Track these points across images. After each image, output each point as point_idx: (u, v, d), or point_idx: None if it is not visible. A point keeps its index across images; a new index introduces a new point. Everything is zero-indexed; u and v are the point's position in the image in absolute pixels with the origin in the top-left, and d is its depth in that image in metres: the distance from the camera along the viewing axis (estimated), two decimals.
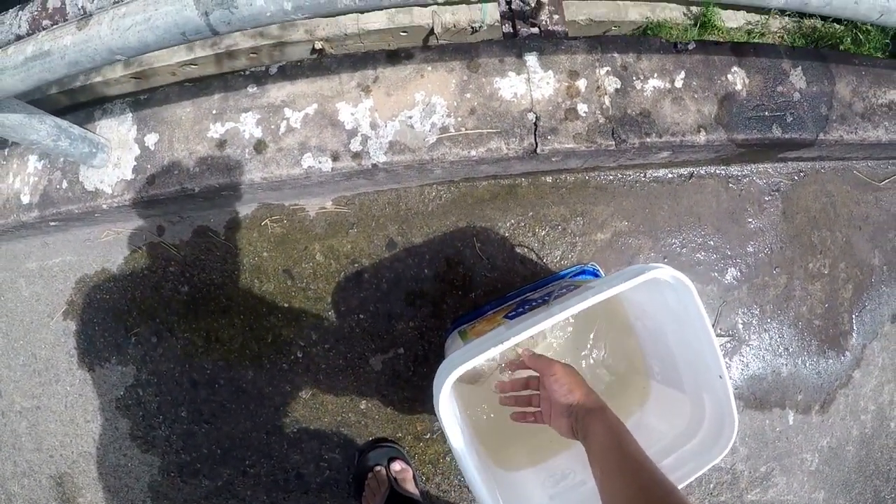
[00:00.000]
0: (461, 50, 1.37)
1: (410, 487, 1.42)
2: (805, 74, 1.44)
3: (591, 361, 1.25)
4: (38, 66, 0.96)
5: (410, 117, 1.32)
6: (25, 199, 1.42)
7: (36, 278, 1.64)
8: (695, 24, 2.35)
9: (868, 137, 1.46)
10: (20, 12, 1.01)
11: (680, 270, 0.90)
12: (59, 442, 1.60)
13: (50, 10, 0.98)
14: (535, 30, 1.41)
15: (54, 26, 0.98)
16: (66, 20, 0.98)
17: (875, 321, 1.73)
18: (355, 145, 1.31)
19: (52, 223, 1.49)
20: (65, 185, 1.40)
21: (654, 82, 1.37)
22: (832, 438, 1.68)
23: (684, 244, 1.61)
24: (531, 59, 1.36)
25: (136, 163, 1.37)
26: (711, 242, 1.62)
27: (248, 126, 1.34)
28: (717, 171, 1.64)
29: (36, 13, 0.99)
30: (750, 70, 1.42)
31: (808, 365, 1.67)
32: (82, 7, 0.96)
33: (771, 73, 1.42)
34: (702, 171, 1.63)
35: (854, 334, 1.71)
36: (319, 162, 1.30)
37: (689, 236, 1.61)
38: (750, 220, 1.65)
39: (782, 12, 2.34)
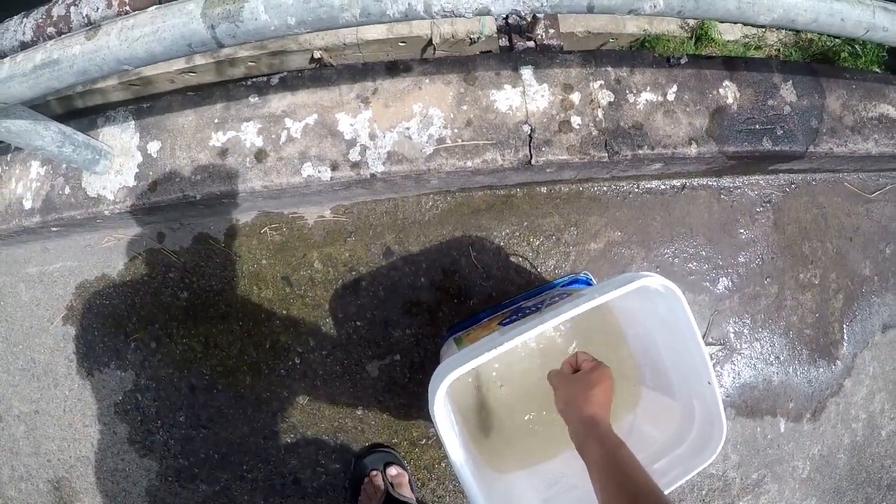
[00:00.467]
0: (458, 63, 1.39)
1: (406, 492, 1.43)
2: (796, 88, 1.47)
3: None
4: (46, 74, 0.98)
5: (408, 128, 1.34)
6: (28, 204, 1.44)
7: (36, 283, 1.65)
8: (692, 37, 2.38)
9: (858, 150, 1.49)
10: (25, 19, 1.02)
11: (672, 280, 0.92)
12: (57, 446, 1.61)
13: (55, 18, 0.99)
14: (531, 44, 1.44)
15: (62, 35, 1.00)
16: (71, 28, 0.99)
17: (866, 331, 1.76)
18: (354, 155, 1.33)
19: (54, 228, 1.50)
20: (67, 190, 1.42)
21: (647, 95, 1.39)
22: (823, 446, 1.70)
23: (676, 254, 1.63)
24: (527, 73, 1.38)
25: (138, 170, 1.38)
26: (703, 253, 1.65)
27: (250, 135, 1.36)
28: (709, 183, 1.67)
29: (40, 20, 1.01)
30: (741, 84, 1.44)
31: (799, 373, 1.69)
32: (87, 16, 0.98)
33: (762, 87, 1.45)
34: (694, 183, 1.66)
35: (845, 344, 1.73)
36: (319, 171, 1.32)
37: (681, 247, 1.64)
38: (741, 230, 1.68)
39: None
